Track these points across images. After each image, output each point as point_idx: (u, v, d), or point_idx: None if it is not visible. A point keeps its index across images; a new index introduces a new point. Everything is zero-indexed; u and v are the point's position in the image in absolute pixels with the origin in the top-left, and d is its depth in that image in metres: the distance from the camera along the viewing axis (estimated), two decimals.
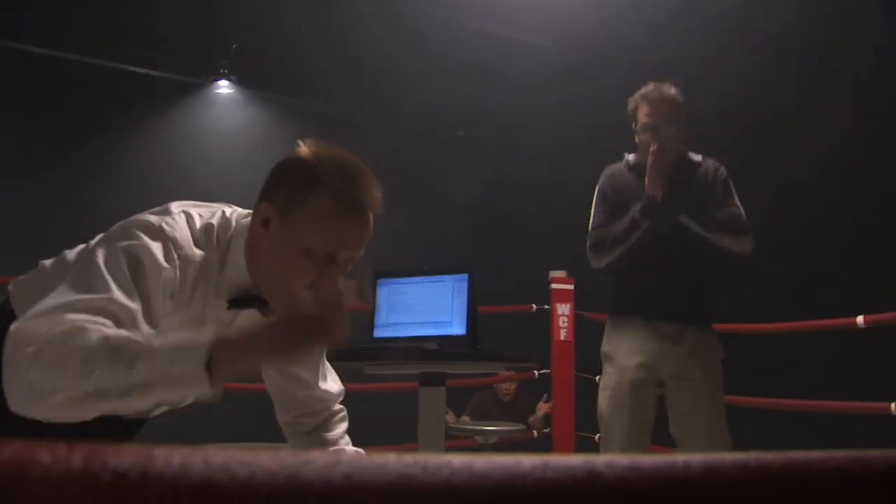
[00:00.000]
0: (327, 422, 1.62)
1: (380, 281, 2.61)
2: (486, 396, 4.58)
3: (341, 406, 1.65)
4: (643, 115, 2.53)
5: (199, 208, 1.31)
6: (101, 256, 1.14)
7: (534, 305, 4.27)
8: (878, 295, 3.12)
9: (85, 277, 1.12)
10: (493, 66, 5.15)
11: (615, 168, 2.65)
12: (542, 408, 4.40)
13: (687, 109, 2.57)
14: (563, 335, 4.10)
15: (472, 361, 2.43)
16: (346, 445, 1.64)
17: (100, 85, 5.22)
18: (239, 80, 5.76)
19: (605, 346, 2.61)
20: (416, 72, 5.20)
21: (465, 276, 2.48)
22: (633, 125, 2.57)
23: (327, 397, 1.58)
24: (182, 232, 1.22)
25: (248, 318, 1.34)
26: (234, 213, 1.34)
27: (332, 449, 1.61)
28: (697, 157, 2.60)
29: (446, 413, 4.35)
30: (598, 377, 4.05)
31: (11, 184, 4.83)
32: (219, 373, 1.01)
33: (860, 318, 2.94)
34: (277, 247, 1.23)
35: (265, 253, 1.25)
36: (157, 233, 1.18)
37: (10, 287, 1.39)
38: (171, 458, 0.23)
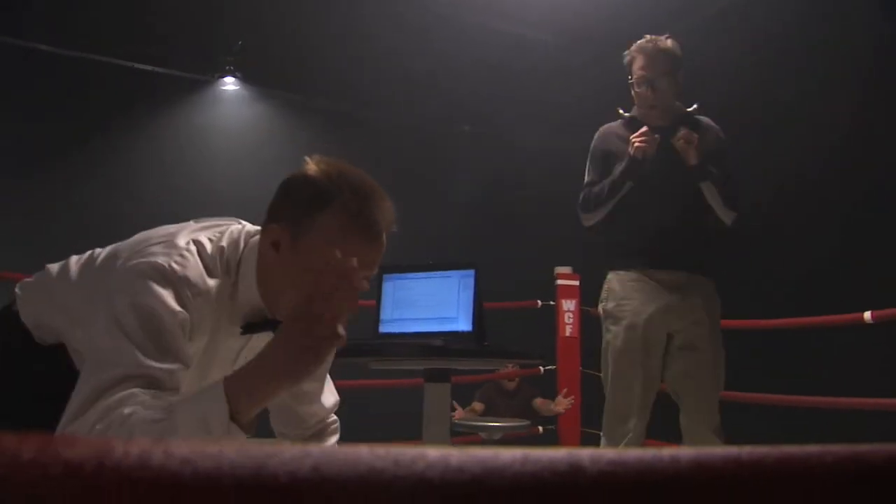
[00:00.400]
0: (320, 434, 1.59)
1: (385, 276, 2.60)
2: (491, 386, 4.57)
3: (335, 417, 1.63)
4: (638, 67, 2.51)
5: (207, 231, 1.26)
6: (113, 321, 1.09)
7: (539, 301, 4.26)
8: (881, 292, 3.09)
9: (105, 352, 1.07)
10: (496, 62, 5.14)
11: (609, 126, 2.64)
12: (561, 403, 4.41)
13: (684, 63, 2.56)
14: (568, 331, 4.09)
15: (478, 358, 2.43)
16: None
17: (104, 83, 5.23)
18: (244, 77, 5.77)
19: (608, 304, 2.55)
20: (419, 68, 5.19)
21: (471, 272, 2.47)
22: (629, 78, 2.55)
23: (321, 411, 1.57)
24: (194, 269, 1.17)
25: (261, 339, 1.29)
26: (243, 231, 1.30)
27: None
28: (694, 108, 2.59)
29: (454, 410, 4.35)
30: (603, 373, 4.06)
31: (15, 182, 4.85)
32: (245, 415, 1.00)
33: (867, 314, 2.91)
34: (290, 269, 1.19)
35: (278, 276, 1.21)
36: (167, 276, 1.13)
37: (16, 289, 1.39)
38: (129, 449, 0.22)
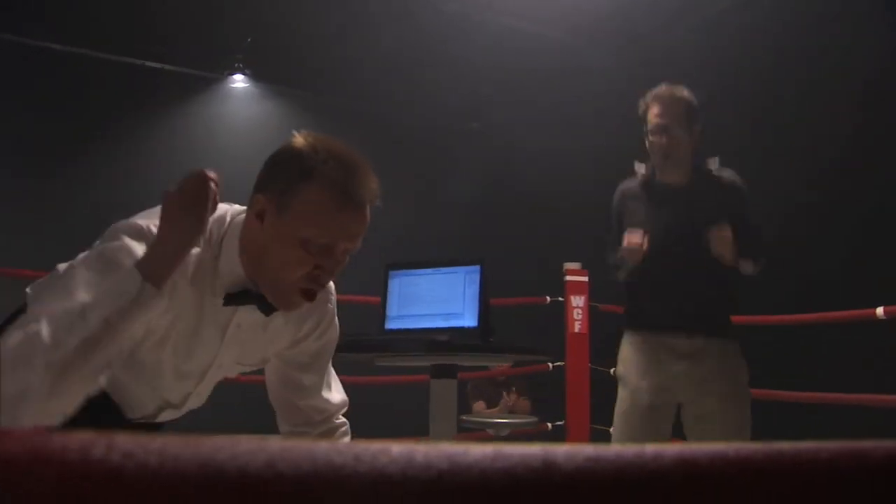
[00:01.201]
0: (329, 436, 1.58)
1: (391, 272, 2.59)
2: (483, 381, 4.57)
3: (344, 420, 1.62)
4: (653, 115, 2.40)
5: None
6: (79, 262, 1.16)
7: (548, 297, 4.24)
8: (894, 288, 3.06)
9: (58, 284, 1.14)
10: (505, 59, 5.12)
11: (626, 185, 2.55)
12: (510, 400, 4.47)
13: (703, 115, 2.44)
14: (577, 327, 4.06)
15: (484, 353, 2.41)
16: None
17: (114, 81, 5.25)
18: (253, 75, 5.77)
19: (618, 367, 2.52)
20: (427, 66, 5.18)
21: (476, 268, 2.45)
22: (644, 129, 2.44)
23: (327, 407, 1.55)
24: None
25: (247, 315, 1.32)
26: (231, 209, 1.32)
27: None
28: (714, 166, 2.47)
29: (476, 401, 4.35)
30: (612, 370, 4.04)
31: (26, 179, 4.87)
32: (157, 278, 1.10)
33: (880, 310, 2.88)
34: (274, 239, 1.21)
35: (261, 246, 1.23)
36: (142, 234, 1.18)
37: (27, 290, 1.40)
38: (69, 443, 0.21)
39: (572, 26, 4.86)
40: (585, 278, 4.12)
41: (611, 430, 2.61)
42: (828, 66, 3.75)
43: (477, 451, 0.29)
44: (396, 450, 0.27)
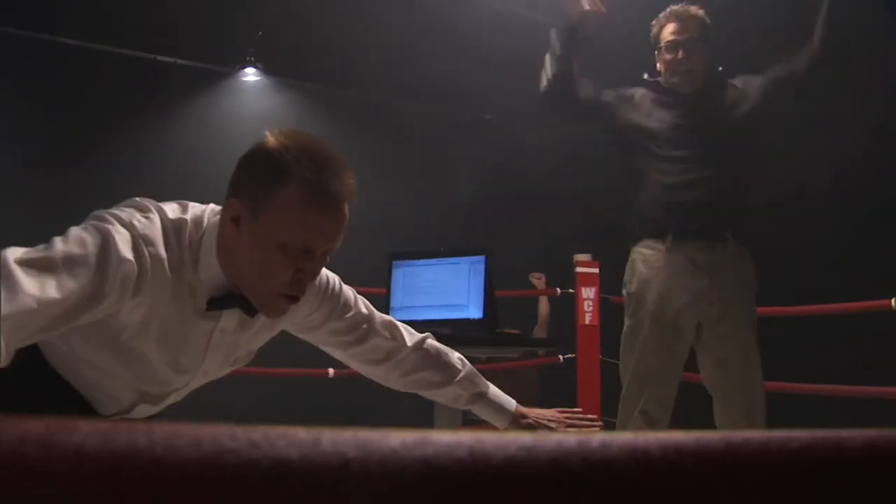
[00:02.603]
0: (425, 352, 1.57)
1: (395, 263, 2.58)
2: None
3: (425, 336, 1.60)
4: (669, 32, 2.43)
5: (175, 204, 1.27)
6: (72, 229, 1.13)
7: (558, 289, 4.22)
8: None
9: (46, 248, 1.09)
10: (516, 49, 5.07)
11: (633, 88, 2.56)
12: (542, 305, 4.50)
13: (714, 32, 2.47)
14: (588, 319, 4.03)
15: (489, 346, 2.39)
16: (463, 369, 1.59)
17: (126, 75, 5.26)
18: (265, 68, 5.77)
19: (633, 286, 2.42)
20: (439, 56, 5.15)
21: (481, 258, 2.43)
22: (656, 48, 2.47)
23: (389, 332, 1.53)
24: (153, 230, 1.17)
25: (231, 318, 1.29)
26: (207, 209, 1.29)
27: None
28: (720, 71, 2.50)
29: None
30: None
31: (37, 174, 4.90)
32: None
33: (895, 301, 2.83)
34: (251, 245, 1.18)
35: (240, 252, 1.20)
36: (128, 226, 1.15)
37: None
38: None
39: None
40: (596, 270, 4.09)
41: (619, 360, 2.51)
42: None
43: (396, 438, 0.27)
44: (301, 434, 0.25)
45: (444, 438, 0.29)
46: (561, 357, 4.16)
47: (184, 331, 1.27)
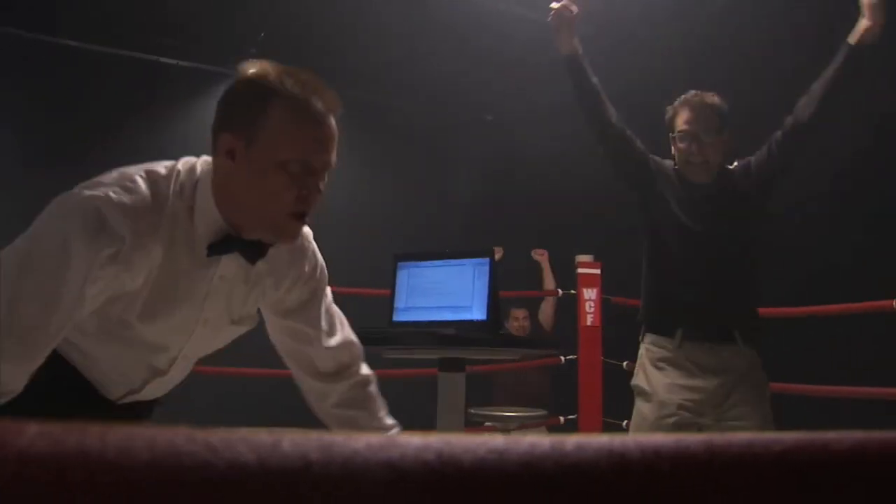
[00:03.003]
0: (357, 390, 1.54)
1: (399, 264, 2.57)
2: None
3: (367, 374, 1.58)
4: (682, 121, 2.34)
5: (165, 162, 1.30)
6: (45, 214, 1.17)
7: (560, 290, 4.21)
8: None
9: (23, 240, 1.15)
10: (516, 50, 5.07)
11: (662, 162, 2.48)
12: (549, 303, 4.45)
13: (733, 123, 2.38)
14: (589, 320, 4.02)
15: (492, 347, 2.39)
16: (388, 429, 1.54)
17: (129, 76, 5.27)
18: None
19: (638, 378, 2.38)
20: (440, 57, 5.15)
21: (486, 260, 2.42)
22: (671, 135, 2.38)
23: (340, 356, 1.53)
24: (137, 194, 1.19)
25: (230, 265, 1.30)
26: (199, 160, 1.31)
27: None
28: (735, 166, 2.42)
29: None
30: (625, 363, 3.99)
31: (38, 174, 4.91)
32: None
33: None
34: (252, 173, 1.20)
35: (240, 184, 1.22)
36: (112, 197, 1.16)
37: None
38: None
39: (590, 16, 4.79)
40: (598, 271, 4.07)
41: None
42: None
43: (361, 440, 0.27)
44: (262, 437, 0.25)
45: (412, 441, 0.28)
46: (563, 358, 4.15)
47: (185, 286, 1.27)
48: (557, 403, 4.42)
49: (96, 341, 1.29)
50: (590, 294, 4.04)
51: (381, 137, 5.92)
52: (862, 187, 3.62)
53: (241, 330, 1.44)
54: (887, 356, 3.21)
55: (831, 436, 0.40)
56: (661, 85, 2.72)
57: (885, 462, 0.40)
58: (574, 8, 2.35)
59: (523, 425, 3.35)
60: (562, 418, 4.17)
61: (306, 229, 1.44)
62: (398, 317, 2.47)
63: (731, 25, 4.16)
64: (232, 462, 0.23)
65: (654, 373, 2.34)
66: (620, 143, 2.47)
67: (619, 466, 0.32)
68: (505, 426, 3.23)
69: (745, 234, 2.35)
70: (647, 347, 2.38)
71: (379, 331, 2.33)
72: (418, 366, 3.81)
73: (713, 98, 2.36)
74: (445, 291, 2.48)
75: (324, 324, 1.50)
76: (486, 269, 2.40)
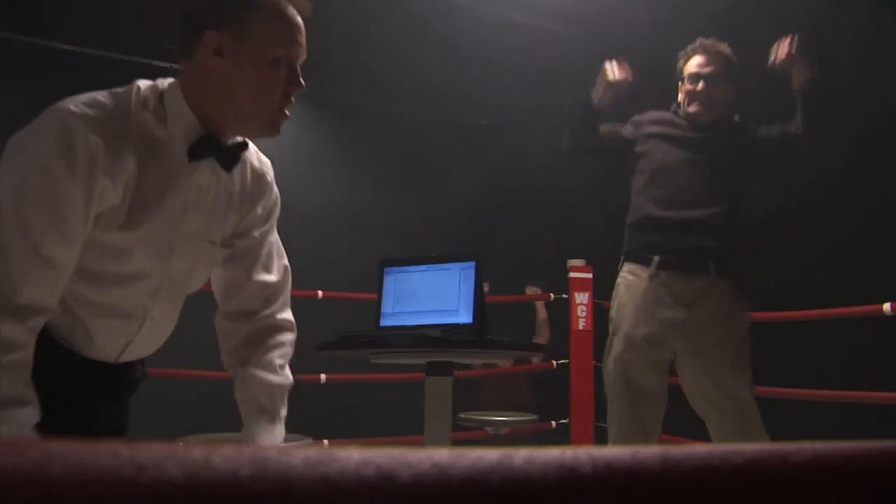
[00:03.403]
0: (265, 337, 1.51)
1: (386, 269, 2.57)
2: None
3: (283, 319, 1.54)
4: (694, 64, 2.46)
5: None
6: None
7: (552, 295, 4.21)
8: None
9: None
10: (510, 54, 5.07)
11: (651, 113, 2.58)
12: (541, 310, 4.47)
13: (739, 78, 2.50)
14: (581, 325, 4.02)
15: (479, 350, 2.39)
16: (276, 374, 1.50)
17: (123, 80, 5.24)
18: None
19: (613, 310, 2.45)
20: (432, 60, 5.15)
21: (471, 264, 2.43)
22: (680, 80, 2.50)
23: (265, 288, 1.51)
24: (103, 107, 1.20)
25: (206, 175, 1.32)
26: (158, 80, 1.32)
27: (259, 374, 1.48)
28: (737, 121, 2.53)
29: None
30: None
31: None
32: None
33: (887, 306, 2.82)
34: (244, 69, 1.23)
35: (229, 82, 1.24)
36: (78, 113, 1.18)
37: None
38: None
39: (582, 21, 4.81)
40: (590, 275, 4.08)
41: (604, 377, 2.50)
42: (842, 61, 3.68)
43: (298, 455, 0.26)
44: (194, 451, 0.24)
45: (353, 456, 0.28)
46: (555, 362, 4.15)
47: (163, 194, 1.28)
48: (541, 408, 4.42)
49: (88, 287, 1.29)
50: (581, 298, 4.04)
51: (372, 142, 5.92)
52: (856, 191, 3.63)
53: (218, 258, 1.44)
54: (878, 361, 3.21)
55: (791, 447, 0.40)
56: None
57: (844, 474, 0.39)
58: (629, 78, 2.41)
59: (513, 430, 3.35)
60: (553, 423, 4.17)
61: (268, 161, 1.50)
62: (385, 322, 2.47)
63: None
64: (157, 479, 0.23)
65: (624, 303, 2.39)
66: (617, 147, 2.53)
67: (570, 481, 0.32)
68: (496, 430, 3.22)
69: (730, 173, 2.42)
70: (623, 276, 2.45)
71: (366, 335, 2.32)
72: (405, 371, 3.81)
73: (725, 47, 2.47)
74: (432, 296, 2.48)
75: (264, 257, 1.52)
76: (472, 272, 2.41)
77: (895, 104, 3.43)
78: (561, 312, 4.18)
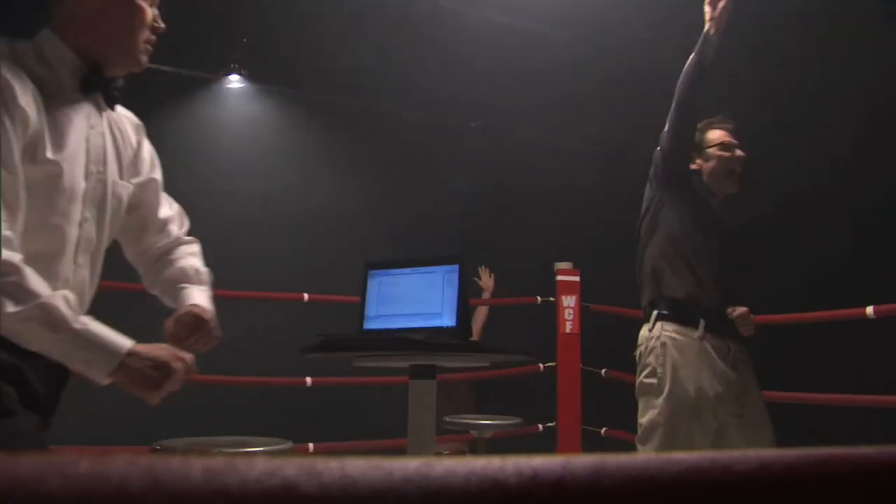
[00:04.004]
0: (173, 247, 1.66)
1: (370, 272, 2.56)
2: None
3: (193, 239, 1.70)
4: (724, 135, 2.55)
5: None
6: None
7: (539, 298, 4.20)
8: (886, 288, 3.01)
9: None
10: (501, 57, 5.07)
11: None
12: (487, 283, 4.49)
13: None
14: (568, 328, 4.02)
15: (462, 353, 2.37)
16: (188, 262, 1.64)
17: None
18: (249, 75, 5.75)
19: (665, 367, 2.31)
20: (425, 64, 5.14)
21: (455, 267, 2.41)
22: (707, 149, 2.55)
23: (168, 222, 1.66)
24: None
25: (94, 112, 1.44)
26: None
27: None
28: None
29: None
30: (603, 371, 4.00)
31: None
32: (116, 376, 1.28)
33: (870, 309, 2.83)
34: (117, 8, 1.40)
35: (106, 19, 1.39)
36: None
37: None
38: None
39: (574, 25, 4.81)
40: (577, 278, 4.07)
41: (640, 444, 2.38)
42: (829, 69, 3.69)
43: (196, 465, 0.26)
44: (82, 463, 0.24)
45: (258, 465, 0.27)
46: (542, 365, 4.14)
47: (68, 121, 1.38)
48: (532, 410, 4.41)
49: (33, 216, 1.34)
50: (569, 301, 4.04)
51: (361, 145, 5.91)
52: (841, 195, 3.64)
53: (125, 197, 1.54)
54: (863, 364, 3.22)
55: (736, 455, 0.39)
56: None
57: (786, 482, 0.39)
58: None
59: (497, 433, 3.33)
60: (540, 426, 4.16)
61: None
62: (368, 325, 2.45)
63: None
64: (35, 491, 0.22)
65: (686, 357, 2.32)
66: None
67: (493, 492, 0.31)
68: (480, 433, 3.21)
69: (736, 247, 2.53)
70: (669, 335, 2.35)
71: (348, 338, 2.31)
72: (389, 374, 3.80)
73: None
74: (415, 299, 2.47)
75: (162, 199, 1.67)
76: (456, 276, 2.39)
77: (880, 112, 3.44)
78: (548, 315, 4.17)
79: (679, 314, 2.37)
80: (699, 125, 2.55)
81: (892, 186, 3.43)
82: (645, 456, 0.37)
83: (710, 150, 2.55)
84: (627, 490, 0.35)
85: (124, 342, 1.28)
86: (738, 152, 2.54)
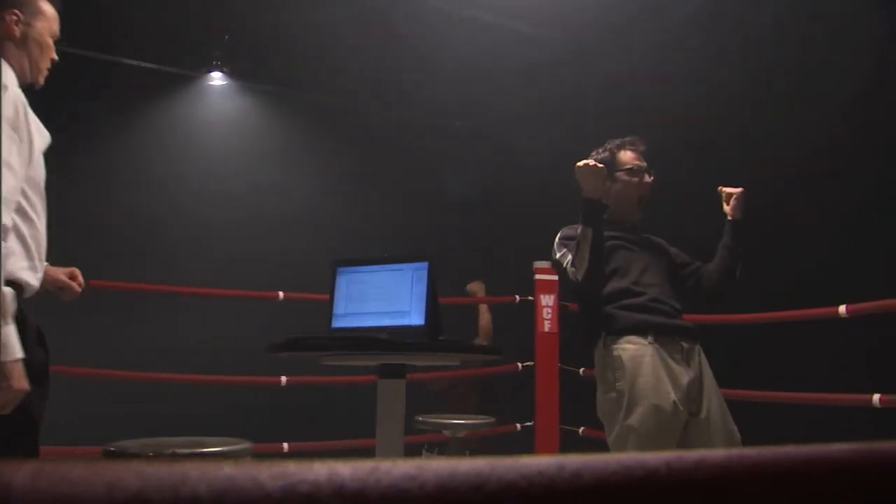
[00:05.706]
0: None
1: (339, 269, 2.53)
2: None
3: None
4: (632, 158, 2.54)
5: None
6: None
7: (517, 297, 4.18)
8: (861, 288, 3.00)
9: None
10: (486, 56, 5.05)
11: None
12: (484, 315, 4.44)
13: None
14: (546, 327, 4.00)
15: (430, 352, 2.35)
16: None
17: (91, 78, 5.19)
18: (232, 72, 5.72)
19: (632, 377, 2.29)
20: (409, 62, 5.13)
21: (424, 265, 2.39)
22: (614, 170, 2.51)
23: None
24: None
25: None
26: None
27: None
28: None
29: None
30: (581, 370, 3.98)
31: None
32: None
33: (842, 308, 2.82)
34: (37, 39, 1.87)
35: (25, 49, 1.84)
36: None
37: None
38: None
39: (561, 24, 4.79)
40: (555, 277, 4.05)
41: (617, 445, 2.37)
42: (815, 68, 3.69)
43: (193, 470, 0.23)
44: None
45: (262, 473, 0.25)
46: (520, 364, 4.13)
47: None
48: (514, 410, 4.39)
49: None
50: (547, 300, 4.02)
51: (344, 144, 5.89)
52: (819, 196, 3.64)
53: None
54: (836, 363, 3.21)
55: (706, 454, 0.37)
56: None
57: (751, 483, 0.36)
58: (601, 165, 2.37)
59: (470, 433, 3.31)
60: (518, 425, 4.14)
61: None
62: (336, 323, 2.43)
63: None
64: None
65: (649, 367, 2.30)
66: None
67: (439, 492, 0.29)
68: (453, 433, 3.18)
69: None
70: (622, 347, 2.35)
71: (314, 337, 2.28)
72: (359, 373, 3.77)
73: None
74: (384, 297, 2.44)
75: None
76: (425, 273, 2.37)
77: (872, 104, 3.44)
78: (527, 314, 4.16)
79: (626, 327, 2.38)
80: (611, 145, 2.57)
81: (872, 184, 3.42)
82: (605, 457, 0.35)
83: (619, 174, 2.53)
84: (586, 492, 0.33)
85: None
86: (647, 178, 2.53)
